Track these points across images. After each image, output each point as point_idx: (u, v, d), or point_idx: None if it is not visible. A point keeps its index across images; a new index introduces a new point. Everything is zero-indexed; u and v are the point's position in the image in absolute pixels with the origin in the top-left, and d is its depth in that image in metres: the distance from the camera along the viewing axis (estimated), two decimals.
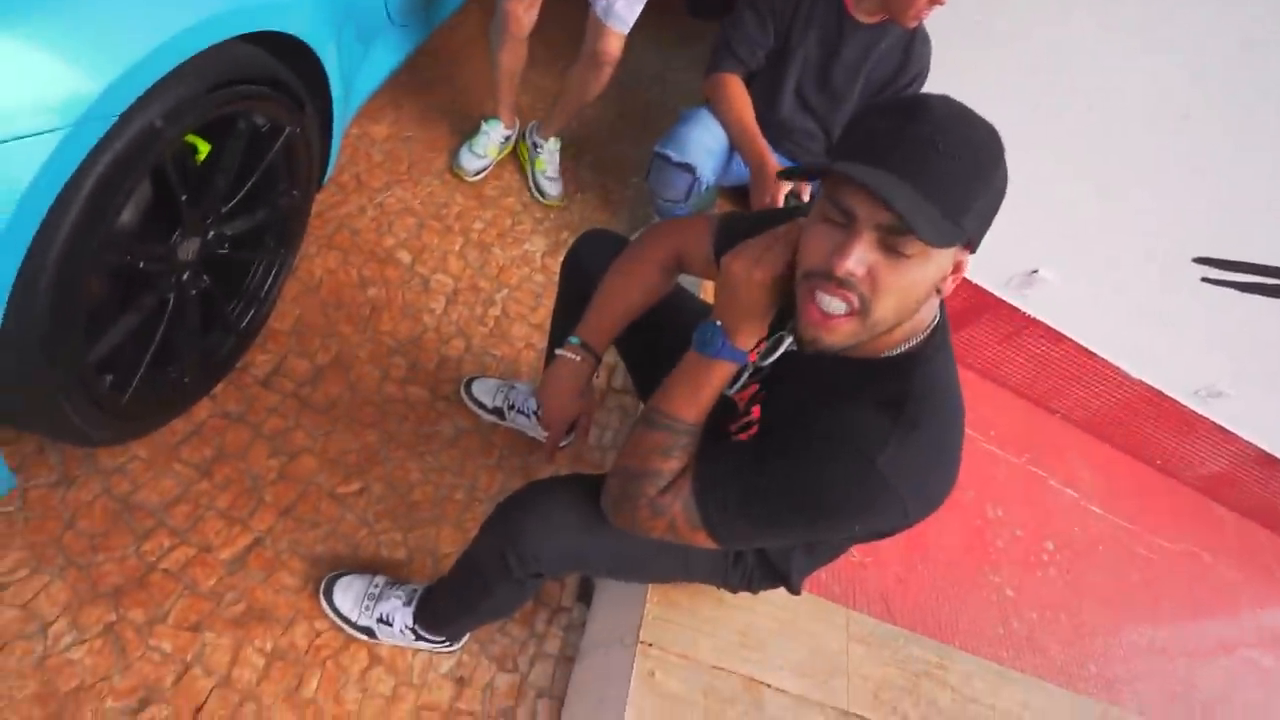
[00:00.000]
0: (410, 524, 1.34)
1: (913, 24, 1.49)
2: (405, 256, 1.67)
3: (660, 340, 1.15)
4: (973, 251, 0.70)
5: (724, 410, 0.90)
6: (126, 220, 0.97)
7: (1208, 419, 2.61)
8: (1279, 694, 2.57)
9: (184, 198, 1.02)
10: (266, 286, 1.35)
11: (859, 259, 0.64)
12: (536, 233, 1.90)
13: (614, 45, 1.66)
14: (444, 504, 1.38)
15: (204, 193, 1.07)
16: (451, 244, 1.75)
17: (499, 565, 0.87)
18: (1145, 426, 2.70)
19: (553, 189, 1.95)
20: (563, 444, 1.49)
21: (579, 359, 1.03)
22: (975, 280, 2.42)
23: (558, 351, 1.05)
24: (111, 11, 0.75)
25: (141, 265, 1.01)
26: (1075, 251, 2.20)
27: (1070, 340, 2.45)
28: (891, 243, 0.64)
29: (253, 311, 1.34)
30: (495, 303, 1.71)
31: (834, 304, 0.67)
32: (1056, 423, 2.79)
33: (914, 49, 1.60)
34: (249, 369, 1.37)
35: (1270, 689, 2.57)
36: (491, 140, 1.88)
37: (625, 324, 1.06)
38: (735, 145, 1.66)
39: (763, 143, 1.62)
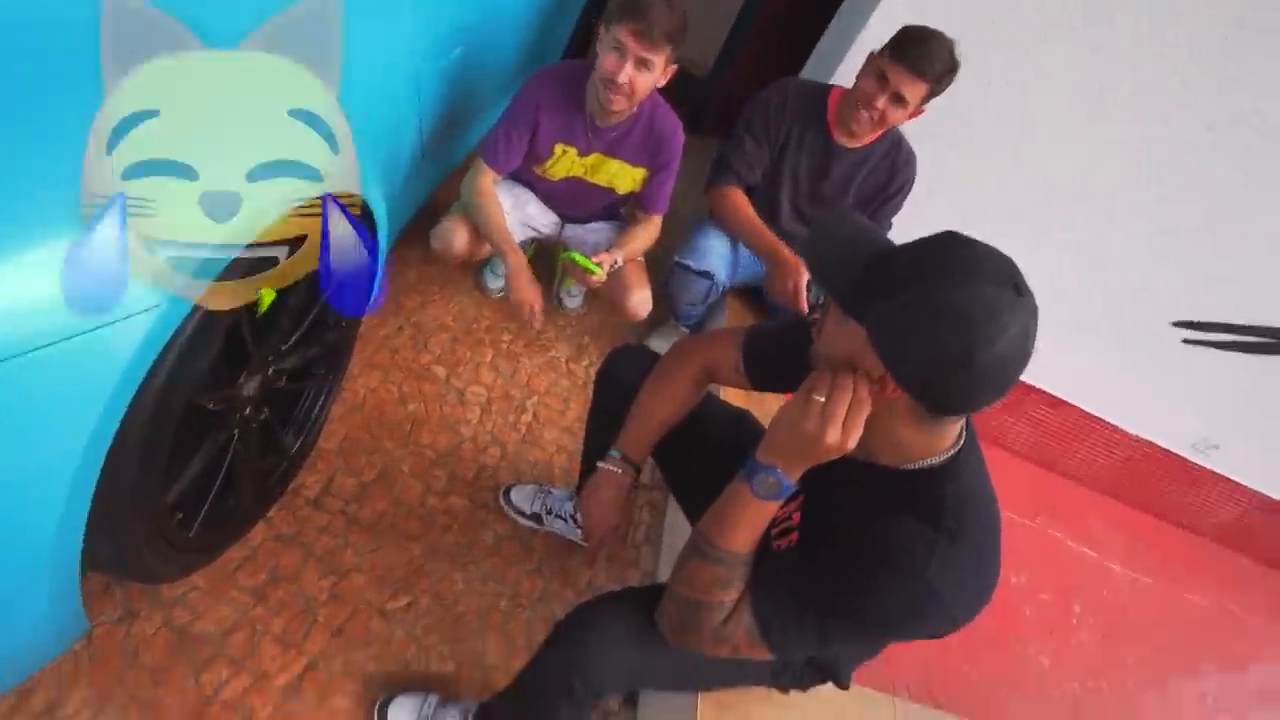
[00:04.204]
0: (457, 636, 1.31)
1: (860, 143, 1.64)
2: (441, 371, 1.71)
3: (693, 446, 1.17)
4: (893, 372, 0.67)
5: None
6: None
7: (1210, 470, 2.59)
8: None
9: (251, 343, 1.07)
10: (316, 411, 1.38)
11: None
12: (560, 340, 1.95)
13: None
14: (489, 614, 1.36)
15: (268, 336, 1.12)
16: (483, 356, 1.80)
17: (563, 686, 0.85)
18: (1152, 481, 2.66)
19: (572, 303, 2.01)
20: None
21: (620, 471, 1.05)
22: None
23: (599, 464, 1.07)
24: None
25: (211, 406, 1.04)
26: (1062, 322, 2.24)
27: (1068, 404, 2.46)
28: None
29: (304, 436, 1.36)
30: (527, 409, 1.73)
31: None
32: (1065, 484, 2.75)
33: (898, 164, 1.70)
34: (300, 490, 1.37)
35: None
36: None
37: (662, 435, 1.08)
38: (748, 245, 1.73)
39: (774, 237, 1.69)
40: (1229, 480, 2.58)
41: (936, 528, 0.73)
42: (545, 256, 2.06)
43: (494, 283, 1.93)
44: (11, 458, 0.68)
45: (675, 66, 1.42)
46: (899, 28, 1.50)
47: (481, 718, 1.08)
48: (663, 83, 1.44)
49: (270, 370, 1.17)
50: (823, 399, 0.71)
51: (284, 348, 1.19)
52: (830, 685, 1.07)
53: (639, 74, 1.37)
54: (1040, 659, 2.07)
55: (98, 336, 0.69)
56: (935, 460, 0.77)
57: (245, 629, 1.18)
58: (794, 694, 1.10)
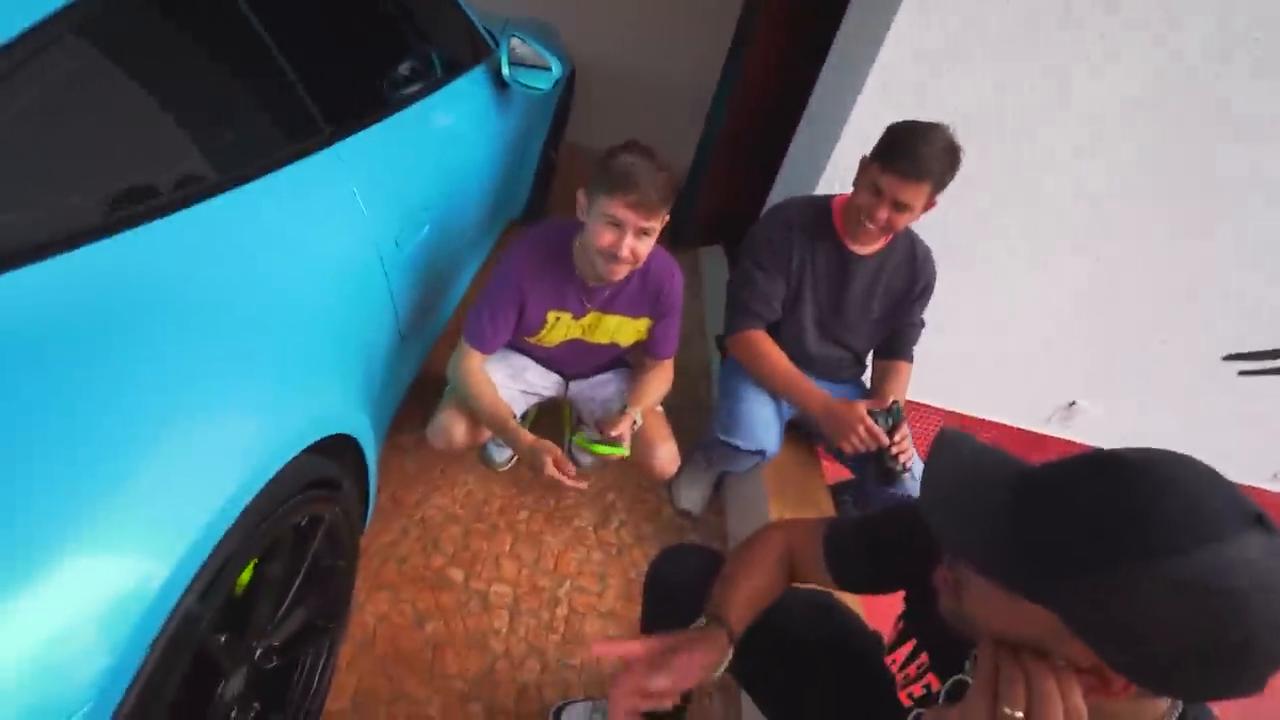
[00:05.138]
0: None
1: (873, 249, 1.52)
2: (457, 574, 1.48)
3: (773, 642, 0.93)
4: (1119, 670, 0.49)
5: None
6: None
7: None
8: None
9: (224, 640, 0.85)
10: (319, 675, 1.14)
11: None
12: (582, 505, 1.74)
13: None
14: None
15: (247, 621, 0.91)
16: (501, 545, 1.57)
17: None
18: None
19: (586, 460, 1.80)
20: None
21: (719, 633, 0.79)
22: (1017, 424, 2.28)
23: (694, 626, 0.81)
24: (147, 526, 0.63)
25: None
26: (1109, 380, 2.08)
27: None
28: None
29: (307, 710, 1.12)
30: (560, 600, 1.49)
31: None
32: None
33: (918, 265, 1.56)
34: None
35: None
36: None
37: (757, 609, 0.85)
38: (785, 396, 1.54)
39: (814, 388, 1.50)
40: None
41: None
42: (551, 413, 1.87)
43: (500, 455, 1.74)
44: None
45: (668, 217, 1.29)
46: (883, 129, 1.39)
47: None
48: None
49: (258, 655, 0.95)
50: (1020, 715, 0.50)
51: (271, 625, 0.97)
52: None
53: (639, 243, 1.24)
54: None
55: None
56: None
57: None
58: None
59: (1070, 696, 0.50)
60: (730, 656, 0.79)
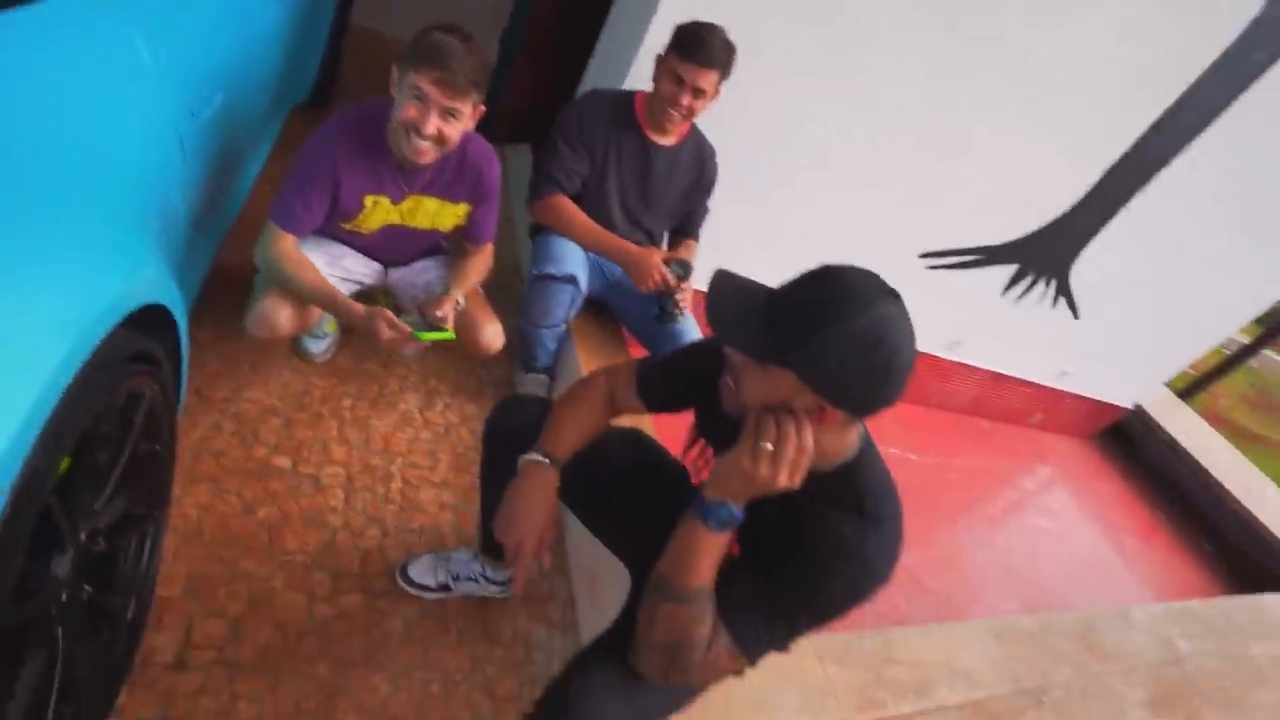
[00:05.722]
0: None
1: (673, 140, 1.74)
2: (284, 461, 1.48)
3: (598, 469, 1.14)
4: (831, 402, 0.75)
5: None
6: None
7: (957, 361, 3.21)
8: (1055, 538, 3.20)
9: (62, 518, 0.83)
10: (146, 558, 1.12)
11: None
12: (406, 390, 1.78)
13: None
14: (425, 704, 1.24)
15: (72, 503, 0.88)
16: (328, 431, 1.58)
17: None
18: (917, 380, 3.22)
19: (410, 349, 1.82)
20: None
21: (546, 462, 0.99)
22: None
23: (524, 458, 1.00)
24: None
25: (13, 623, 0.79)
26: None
27: None
28: None
29: (139, 594, 1.10)
30: (394, 475, 1.57)
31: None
32: None
33: (705, 158, 1.82)
34: (152, 657, 1.12)
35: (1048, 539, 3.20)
36: (326, 315, 1.71)
37: (581, 444, 1.05)
38: (594, 246, 1.72)
39: (614, 235, 1.71)
40: (971, 366, 3.22)
41: (863, 515, 0.82)
42: (367, 301, 1.84)
43: (316, 346, 1.70)
44: None
45: (483, 109, 1.32)
46: (674, 28, 1.58)
47: None
48: (472, 126, 1.34)
49: (83, 537, 0.92)
50: (771, 446, 0.75)
51: (98, 504, 0.94)
52: None
53: (446, 124, 1.25)
54: None
55: None
56: (849, 456, 0.86)
57: None
58: None
59: (801, 429, 0.76)
60: (558, 482, 0.99)
